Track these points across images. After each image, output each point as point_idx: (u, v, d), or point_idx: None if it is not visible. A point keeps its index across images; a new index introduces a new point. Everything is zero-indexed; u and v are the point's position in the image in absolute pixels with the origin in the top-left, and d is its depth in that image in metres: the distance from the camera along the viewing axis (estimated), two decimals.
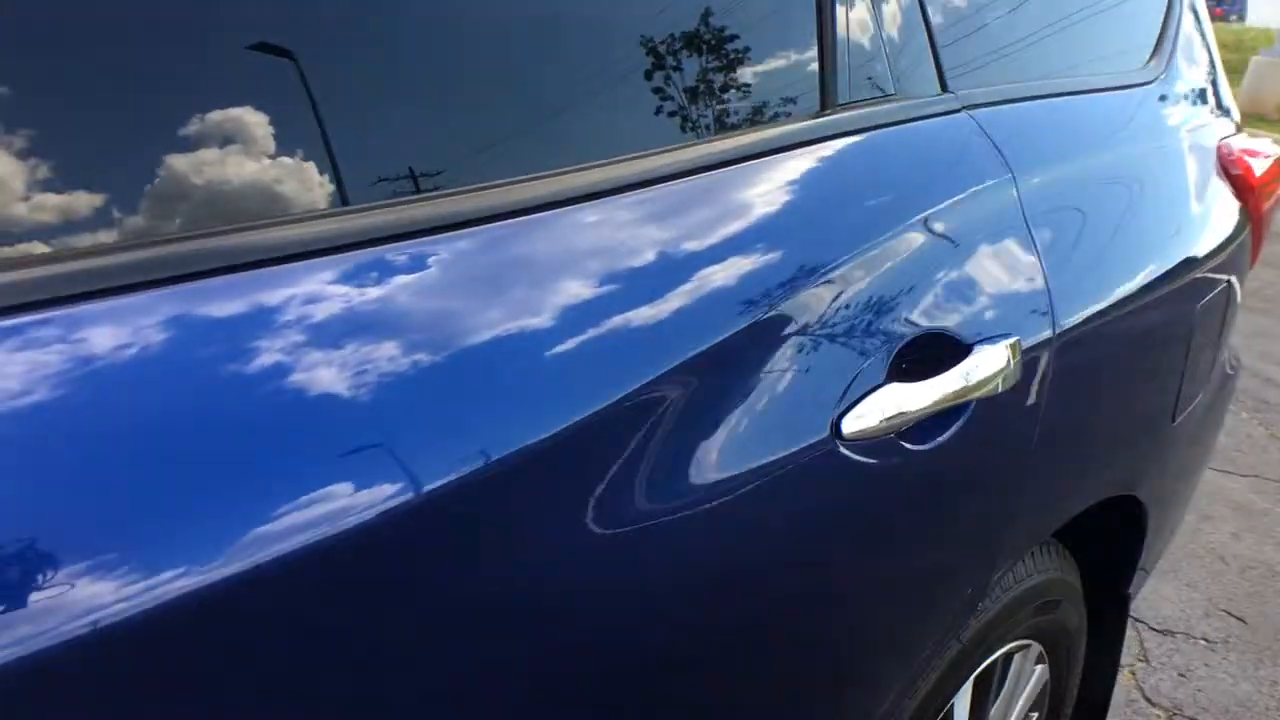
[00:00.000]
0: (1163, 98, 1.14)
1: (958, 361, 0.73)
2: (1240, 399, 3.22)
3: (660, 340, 0.56)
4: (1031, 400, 0.82)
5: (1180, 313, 1.05)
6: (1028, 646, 1.15)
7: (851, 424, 0.66)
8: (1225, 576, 2.27)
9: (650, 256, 0.58)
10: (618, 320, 0.55)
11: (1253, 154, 1.26)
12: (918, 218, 0.73)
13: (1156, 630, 2.07)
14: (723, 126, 0.69)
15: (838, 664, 0.74)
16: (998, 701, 1.16)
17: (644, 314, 0.56)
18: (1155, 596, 2.19)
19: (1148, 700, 1.87)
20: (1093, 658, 1.41)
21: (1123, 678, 1.93)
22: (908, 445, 0.71)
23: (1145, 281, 0.96)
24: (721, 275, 0.60)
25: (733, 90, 0.70)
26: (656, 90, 0.66)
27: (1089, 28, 1.10)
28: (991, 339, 0.76)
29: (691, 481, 0.58)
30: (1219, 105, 1.32)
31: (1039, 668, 1.22)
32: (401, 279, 0.48)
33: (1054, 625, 1.16)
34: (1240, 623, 2.10)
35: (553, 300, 0.52)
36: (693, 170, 0.63)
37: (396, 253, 0.49)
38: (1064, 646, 1.22)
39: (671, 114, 0.66)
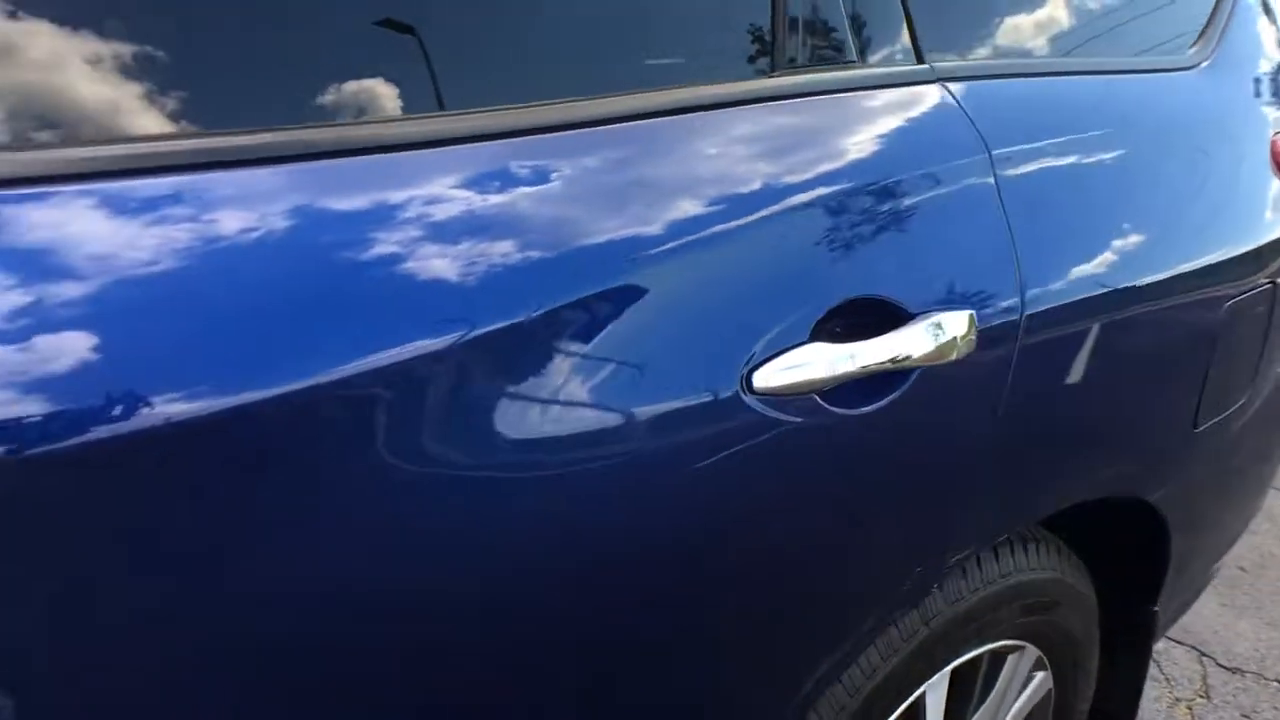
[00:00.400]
0: (1204, 84, 1.08)
1: (894, 329, 0.73)
2: None
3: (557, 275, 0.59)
4: (991, 379, 0.80)
5: (1199, 312, 1.00)
6: (1021, 649, 1.12)
7: (763, 379, 0.66)
8: None
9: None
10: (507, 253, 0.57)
11: None
12: (859, 183, 0.73)
13: (1225, 667, 1.96)
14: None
15: (753, 621, 0.74)
16: (986, 702, 1.13)
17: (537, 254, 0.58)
18: (1229, 632, 2.06)
19: None
20: (1116, 674, 1.35)
21: (1179, 712, 1.83)
22: (831, 407, 0.70)
23: (1150, 274, 0.92)
24: (625, 219, 0.62)
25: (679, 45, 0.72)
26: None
27: (1122, 11, 1.06)
28: (937, 310, 0.75)
29: (593, 422, 0.60)
30: None
31: (1040, 674, 1.18)
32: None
33: (1051, 629, 1.12)
34: None
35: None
36: (621, 118, 0.66)
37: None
38: (1068, 655, 1.17)
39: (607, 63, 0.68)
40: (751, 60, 0.75)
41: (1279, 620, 2.11)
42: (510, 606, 0.60)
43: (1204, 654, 2.00)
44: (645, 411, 0.62)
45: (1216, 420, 1.12)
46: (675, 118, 0.67)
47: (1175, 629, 2.07)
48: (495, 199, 0.58)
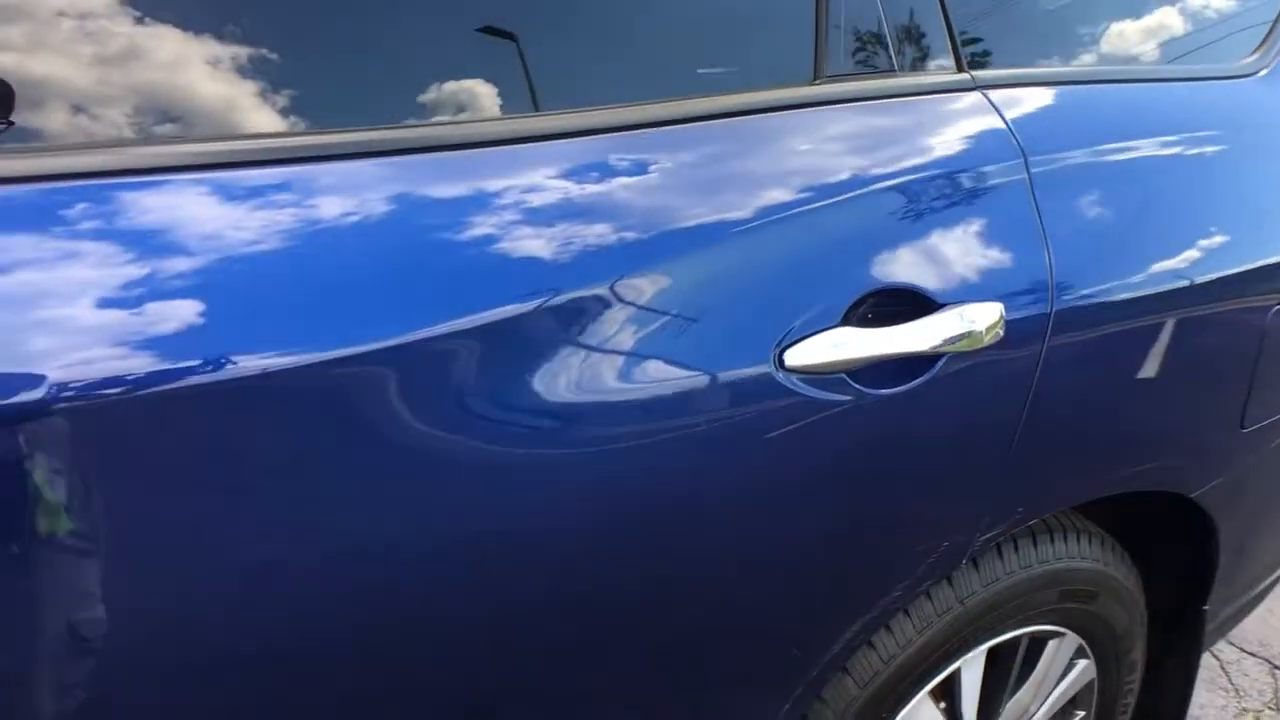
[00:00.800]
0: (1263, 91, 1.11)
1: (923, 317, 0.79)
2: None
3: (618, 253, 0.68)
4: (1019, 370, 0.86)
5: (1244, 314, 1.03)
6: (1062, 635, 1.16)
7: (794, 357, 0.74)
8: None
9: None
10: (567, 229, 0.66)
11: None
12: (895, 183, 0.80)
13: None
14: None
15: (781, 586, 0.82)
16: (1026, 684, 1.17)
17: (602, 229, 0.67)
18: None
19: None
20: (1166, 672, 1.37)
21: None
22: (861, 387, 0.77)
23: (1190, 277, 0.96)
24: (670, 203, 0.71)
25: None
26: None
27: (1177, 17, 1.09)
28: (966, 301, 0.81)
29: (629, 392, 0.69)
30: None
31: (1082, 662, 1.21)
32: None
33: (1091, 619, 1.16)
34: None
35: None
36: (679, 120, 0.74)
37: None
38: (1110, 647, 1.21)
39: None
40: (801, 68, 0.82)
41: None
42: (576, 565, 0.70)
43: (1276, 666, 1.97)
44: (691, 380, 0.70)
45: (1269, 421, 1.14)
46: (729, 120, 0.75)
47: (1250, 641, 2.04)
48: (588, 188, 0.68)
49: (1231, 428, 1.10)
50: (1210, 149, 1.02)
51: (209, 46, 0.60)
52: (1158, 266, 0.94)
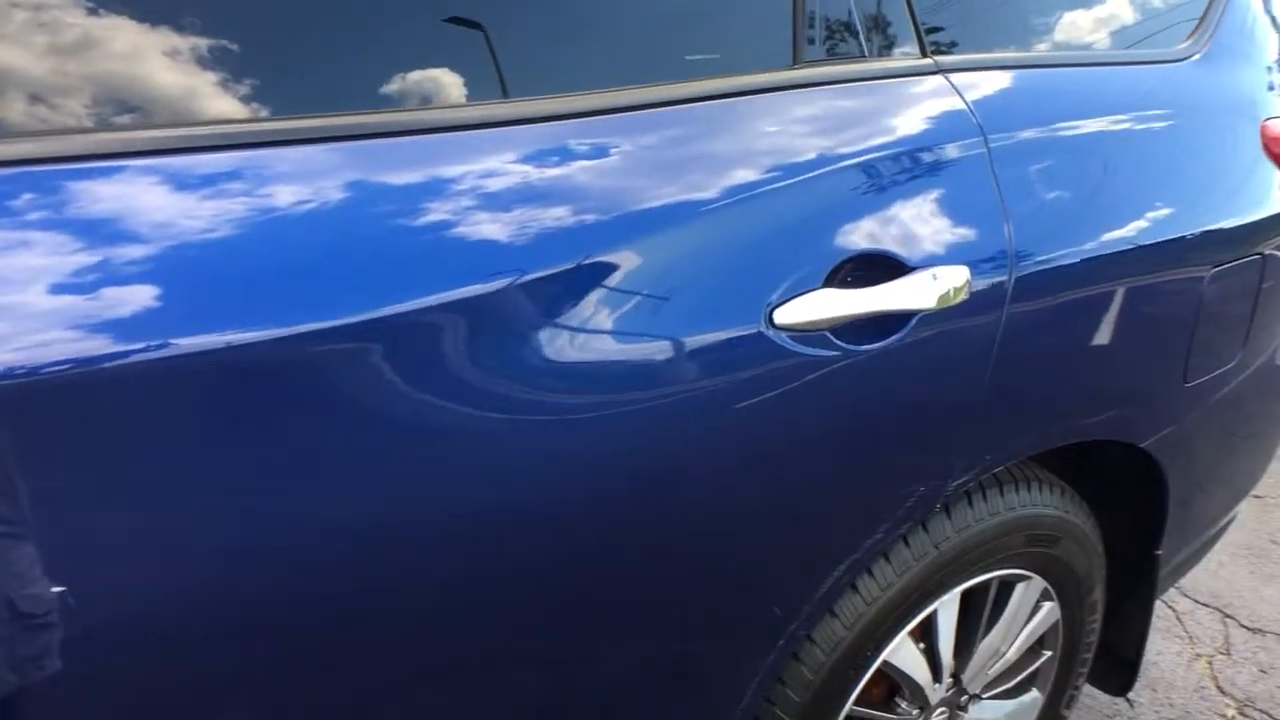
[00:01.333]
0: (1195, 74, 1.21)
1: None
2: None
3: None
4: (984, 327, 0.95)
5: (1182, 279, 1.13)
6: (1029, 579, 1.25)
7: (784, 316, 0.82)
8: None
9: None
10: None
11: None
12: (865, 160, 0.88)
13: (1247, 628, 2.06)
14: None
15: (778, 530, 0.90)
16: (997, 625, 1.27)
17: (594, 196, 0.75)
18: (1254, 597, 2.16)
19: (1219, 690, 1.88)
20: (1125, 614, 1.48)
21: (1199, 666, 1.94)
22: (843, 343, 0.86)
23: (1131, 241, 1.06)
24: (664, 181, 0.78)
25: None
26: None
27: (1123, 6, 1.19)
28: (933, 265, 0.90)
29: (629, 354, 0.76)
30: None
31: (1048, 605, 1.31)
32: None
33: (1054, 563, 1.25)
34: None
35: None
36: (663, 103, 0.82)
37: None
38: (1073, 589, 1.31)
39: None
40: (775, 55, 0.90)
41: None
42: (572, 513, 0.76)
43: (1227, 615, 2.10)
44: (686, 340, 0.78)
45: (1209, 377, 1.25)
46: (708, 103, 0.83)
47: (1202, 593, 2.17)
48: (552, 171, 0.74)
49: (1175, 383, 1.20)
50: (1149, 127, 1.12)
51: (157, 34, 0.62)
52: (1106, 236, 1.03)
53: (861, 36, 0.94)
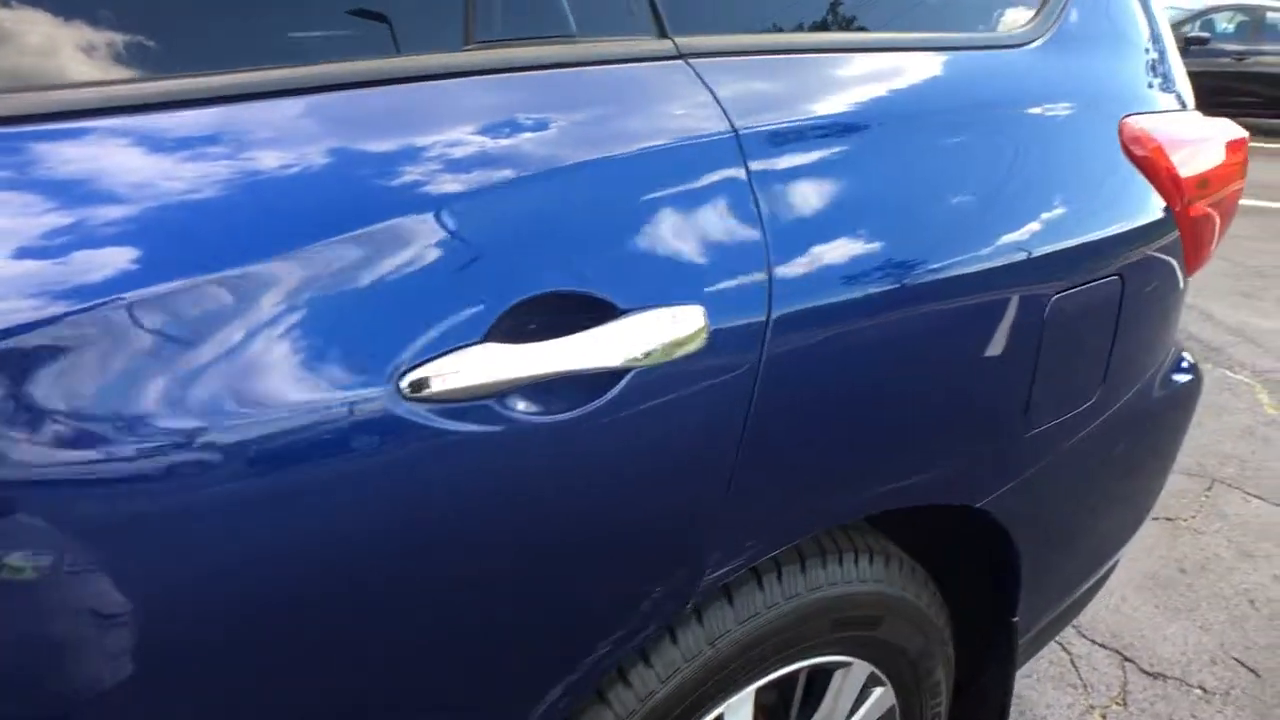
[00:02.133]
0: (1037, 62, 1.01)
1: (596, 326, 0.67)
2: None
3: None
4: (736, 379, 0.74)
5: (1012, 306, 0.92)
6: (849, 665, 1.05)
7: (420, 381, 0.60)
8: (1249, 623, 2.03)
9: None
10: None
11: (1182, 141, 1.11)
12: (562, 166, 0.67)
13: (1146, 673, 1.88)
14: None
15: (444, 654, 0.68)
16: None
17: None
18: (1157, 635, 1.98)
19: None
20: (983, 688, 1.28)
21: (1093, 718, 1.76)
22: (516, 414, 0.64)
23: (939, 263, 0.85)
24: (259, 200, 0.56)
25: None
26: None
27: None
28: (655, 305, 0.68)
29: (219, 421, 0.54)
30: (1160, 82, 1.17)
31: (878, 690, 1.11)
32: None
33: (878, 645, 1.05)
34: (1251, 674, 1.88)
35: None
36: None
37: None
38: (907, 671, 1.11)
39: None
40: (439, 31, 0.68)
41: (1212, 624, 2.03)
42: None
43: (1127, 658, 1.92)
44: (284, 414, 0.56)
45: (1057, 422, 1.05)
46: (321, 95, 0.61)
47: (1100, 632, 1.99)
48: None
49: (1013, 431, 1.00)
50: (969, 124, 0.91)
51: None
52: (904, 257, 0.82)
53: (567, 7, 0.72)
